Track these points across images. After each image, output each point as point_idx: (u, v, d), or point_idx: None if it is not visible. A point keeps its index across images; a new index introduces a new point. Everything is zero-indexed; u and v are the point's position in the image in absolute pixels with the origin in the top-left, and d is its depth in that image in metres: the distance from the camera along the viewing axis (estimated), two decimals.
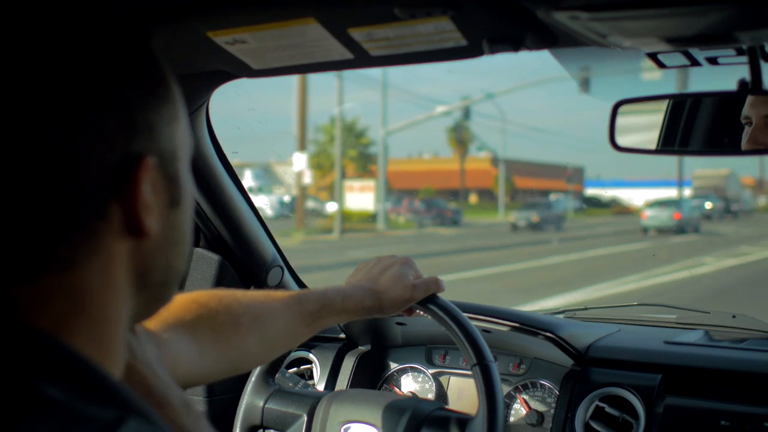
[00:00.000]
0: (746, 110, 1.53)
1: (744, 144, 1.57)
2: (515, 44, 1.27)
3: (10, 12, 0.76)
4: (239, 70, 1.51)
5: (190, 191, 0.89)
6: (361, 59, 1.38)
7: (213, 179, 2.09)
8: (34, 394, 0.68)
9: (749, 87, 1.37)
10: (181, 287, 2.20)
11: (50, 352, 0.72)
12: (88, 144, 0.74)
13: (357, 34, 1.27)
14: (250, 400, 1.97)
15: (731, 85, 1.45)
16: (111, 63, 0.78)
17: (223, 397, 2.25)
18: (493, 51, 1.29)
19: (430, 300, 1.70)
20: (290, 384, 2.05)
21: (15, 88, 0.73)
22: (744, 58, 1.33)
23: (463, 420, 1.76)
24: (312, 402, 1.92)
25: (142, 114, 0.79)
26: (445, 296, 1.73)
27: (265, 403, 1.95)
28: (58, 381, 0.70)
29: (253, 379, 1.99)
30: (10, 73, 0.73)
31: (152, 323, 1.35)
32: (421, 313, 1.72)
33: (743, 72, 1.38)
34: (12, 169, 0.72)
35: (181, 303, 1.45)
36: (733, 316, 2.27)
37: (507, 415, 2.12)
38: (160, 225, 0.81)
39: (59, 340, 0.74)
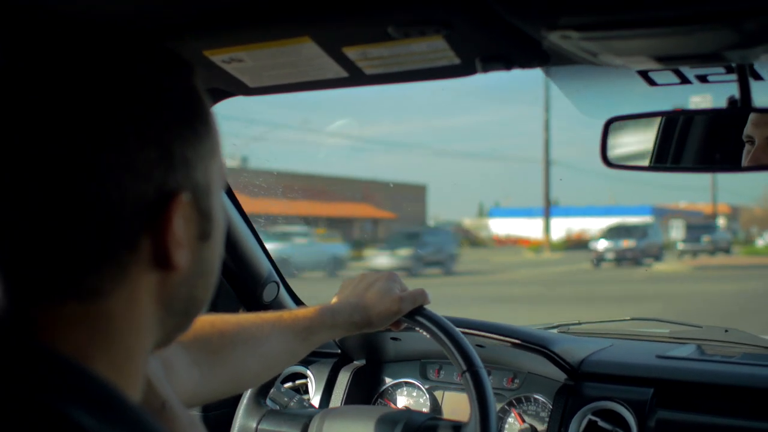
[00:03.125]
0: (749, 130, 1.54)
1: (745, 163, 1.58)
2: (507, 63, 1.29)
3: (60, 44, 0.77)
4: (235, 88, 1.52)
5: (221, 224, 0.89)
6: (356, 78, 1.39)
7: None
8: (64, 420, 0.69)
9: (738, 105, 1.39)
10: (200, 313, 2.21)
11: (76, 378, 0.73)
12: (125, 176, 0.75)
13: (352, 52, 1.28)
14: (243, 422, 1.98)
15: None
16: (154, 98, 0.79)
17: (218, 412, 2.25)
18: (485, 69, 1.31)
19: (417, 312, 1.72)
20: (285, 399, 2.05)
21: (58, 117, 0.74)
22: (733, 76, 1.35)
23: (456, 427, 1.77)
24: (305, 421, 1.93)
25: (180, 150, 0.80)
26: (432, 309, 1.75)
27: (258, 424, 1.96)
28: (85, 407, 0.70)
29: (244, 400, 1.99)
30: (55, 103, 0.74)
31: None
32: (412, 326, 1.74)
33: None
34: (50, 195, 0.73)
35: None
36: (726, 331, 2.28)
37: (501, 429, 2.13)
38: (188, 258, 0.82)
39: (83, 366, 0.74)
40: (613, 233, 37.85)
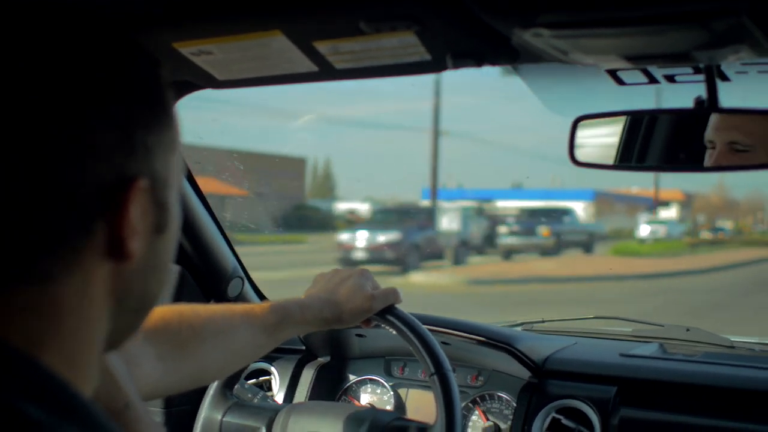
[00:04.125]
0: (710, 134, 1.56)
1: (707, 164, 1.60)
2: (478, 59, 1.29)
3: (19, 27, 0.76)
4: (204, 81, 1.51)
5: (177, 218, 0.88)
6: (327, 72, 1.39)
7: None
8: (16, 414, 0.67)
9: (705, 105, 1.40)
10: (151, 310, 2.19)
11: (27, 371, 0.71)
12: (83, 159, 0.74)
13: (322, 47, 1.28)
14: (208, 414, 1.96)
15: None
16: (118, 82, 0.78)
17: (181, 408, 2.24)
18: (456, 66, 1.31)
19: (388, 311, 1.71)
20: (249, 395, 2.05)
21: (17, 95, 0.72)
22: (701, 77, 1.36)
23: (422, 429, 1.77)
24: (270, 415, 1.92)
25: (141, 136, 0.79)
26: (403, 307, 1.75)
27: (223, 417, 1.95)
28: (37, 401, 0.69)
29: (210, 392, 1.98)
30: (15, 81, 0.73)
31: None
32: (382, 324, 1.74)
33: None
34: (7, 173, 0.71)
35: None
36: (687, 330, 2.30)
37: (465, 427, 2.14)
38: (143, 249, 0.81)
39: (35, 359, 0.73)
40: (383, 217, 26.57)
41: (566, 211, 34.03)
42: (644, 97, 1.59)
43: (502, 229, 30.18)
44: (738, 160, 1.55)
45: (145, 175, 0.79)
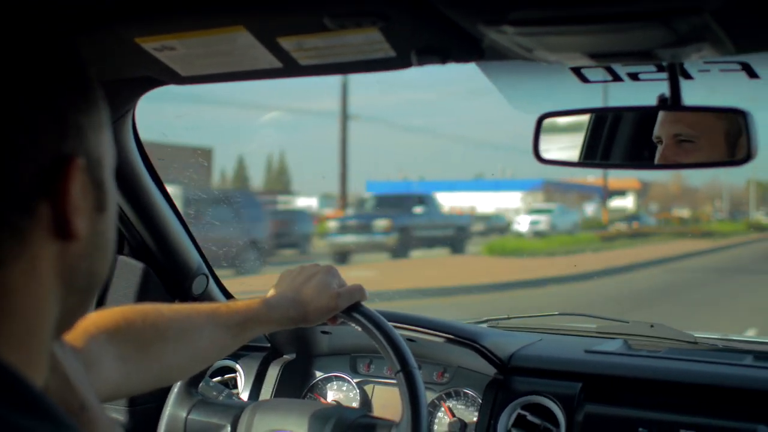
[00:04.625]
0: (657, 130, 1.57)
1: (657, 161, 1.61)
2: (443, 56, 1.29)
3: None
4: (167, 76, 1.50)
5: (114, 198, 0.88)
6: (291, 68, 1.38)
7: (138, 186, 2.07)
8: None
9: (668, 103, 1.41)
10: (104, 296, 2.17)
11: None
12: (18, 141, 0.74)
13: (287, 43, 1.27)
14: (173, 411, 1.95)
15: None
16: (42, 65, 0.78)
17: (145, 406, 2.22)
18: (421, 62, 1.31)
19: (354, 308, 1.71)
20: (214, 393, 2.03)
21: None
22: (664, 75, 1.37)
23: (387, 426, 1.77)
24: (236, 412, 1.91)
25: (73, 117, 0.79)
26: (369, 304, 1.75)
27: (188, 414, 1.93)
28: None
29: (175, 390, 1.96)
30: None
31: (78, 338, 1.33)
32: (348, 322, 1.73)
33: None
34: None
35: (106, 318, 1.44)
36: (651, 326, 2.32)
37: (431, 424, 2.14)
38: (87, 229, 0.81)
39: None
40: None
41: (422, 199, 26.66)
42: (609, 95, 1.60)
43: (331, 225, 24.74)
44: (683, 153, 1.56)
45: (81, 154, 0.79)
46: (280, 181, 58.67)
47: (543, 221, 32.93)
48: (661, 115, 1.55)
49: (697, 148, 1.55)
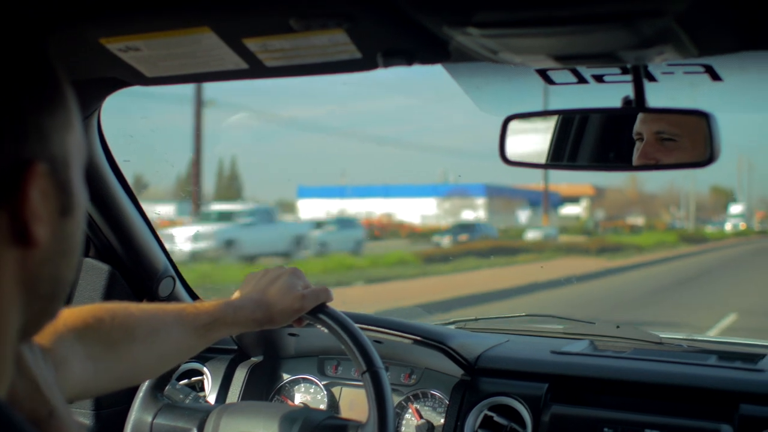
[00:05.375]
0: (638, 126, 1.58)
1: (636, 159, 1.61)
2: (409, 58, 1.29)
3: None
4: (132, 77, 1.49)
5: (82, 200, 0.86)
6: (256, 70, 1.38)
7: (103, 187, 2.05)
8: None
9: (633, 105, 1.42)
10: (70, 298, 2.16)
11: None
12: None
13: (252, 44, 1.27)
14: (138, 416, 1.94)
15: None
16: (1, 66, 0.76)
17: (111, 410, 2.21)
18: (387, 64, 1.31)
19: (319, 309, 1.71)
20: (181, 396, 2.02)
21: None
22: (628, 77, 1.38)
23: (354, 427, 1.77)
24: (202, 416, 1.90)
25: (33, 119, 0.77)
26: (335, 305, 1.75)
27: (154, 419, 1.92)
28: None
29: (141, 394, 1.95)
30: None
31: (47, 337, 1.32)
32: (314, 323, 1.73)
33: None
34: None
35: (75, 317, 1.43)
36: (617, 327, 2.34)
37: (399, 425, 2.14)
38: (49, 234, 0.79)
39: None
40: None
41: (256, 212, 27.01)
42: (577, 96, 1.60)
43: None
44: (665, 151, 1.57)
45: (42, 158, 0.77)
46: (232, 187, 56.64)
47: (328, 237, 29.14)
48: (643, 113, 1.55)
49: (678, 147, 1.56)
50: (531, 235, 35.42)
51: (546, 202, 46.77)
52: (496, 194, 47.95)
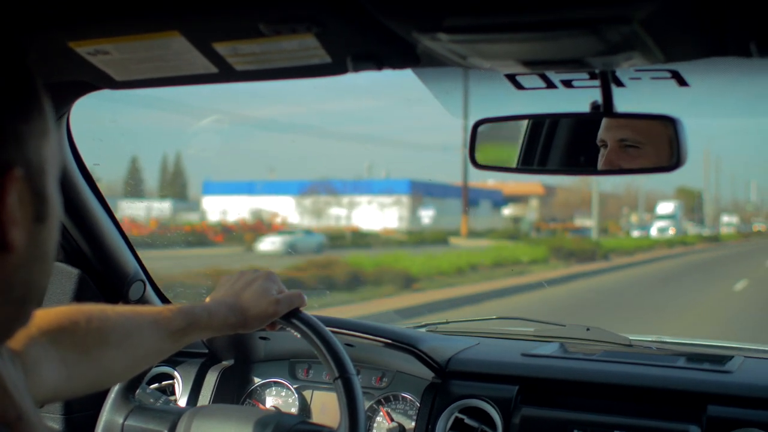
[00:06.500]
0: (602, 133, 1.59)
1: (600, 166, 1.63)
2: (378, 62, 1.30)
3: None
4: (101, 81, 1.48)
5: (57, 208, 0.86)
6: (226, 74, 1.38)
7: (73, 191, 2.04)
8: None
9: (601, 109, 1.43)
10: (39, 302, 2.14)
11: None
12: None
13: (222, 48, 1.27)
14: (109, 418, 1.92)
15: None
16: None
17: (81, 414, 2.19)
18: (356, 69, 1.32)
19: (293, 314, 1.71)
20: (151, 400, 2.01)
21: None
22: (597, 82, 1.39)
23: None
24: (173, 418, 1.89)
25: (10, 124, 0.77)
26: (308, 310, 1.74)
27: (124, 421, 1.91)
28: None
29: (112, 396, 1.94)
30: None
31: (19, 340, 1.31)
32: (287, 328, 1.73)
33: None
34: None
35: (50, 320, 1.42)
36: (587, 329, 2.35)
37: (370, 428, 2.14)
38: (25, 239, 0.79)
39: None
40: None
41: None
42: (546, 101, 1.61)
43: None
44: (628, 158, 1.58)
45: (18, 163, 0.77)
46: (176, 183, 55.14)
47: None
48: (606, 120, 1.56)
49: (641, 154, 1.57)
50: None
51: (465, 200, 41.78)
52: (423, 191, 42.97)
